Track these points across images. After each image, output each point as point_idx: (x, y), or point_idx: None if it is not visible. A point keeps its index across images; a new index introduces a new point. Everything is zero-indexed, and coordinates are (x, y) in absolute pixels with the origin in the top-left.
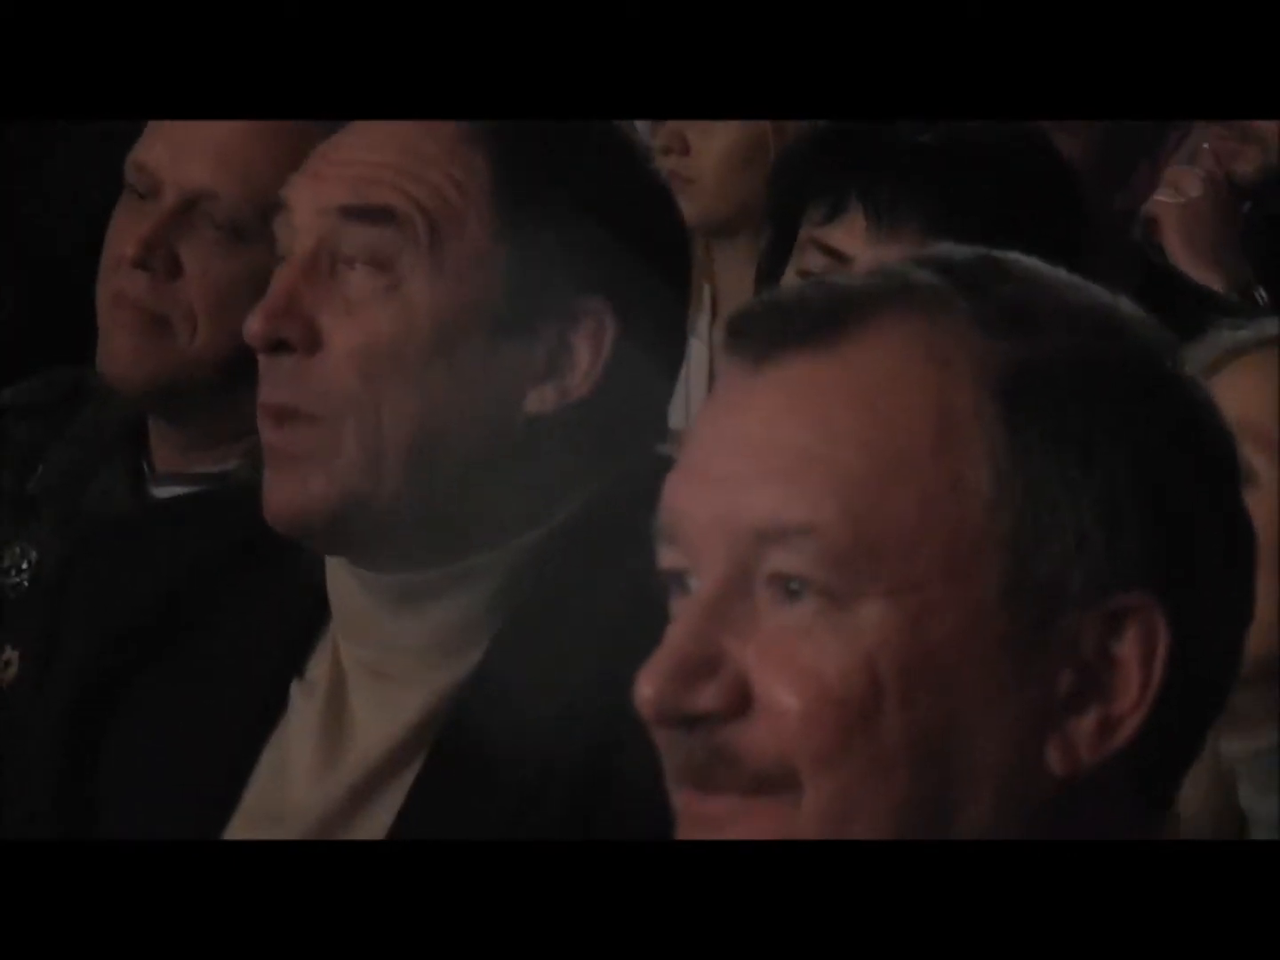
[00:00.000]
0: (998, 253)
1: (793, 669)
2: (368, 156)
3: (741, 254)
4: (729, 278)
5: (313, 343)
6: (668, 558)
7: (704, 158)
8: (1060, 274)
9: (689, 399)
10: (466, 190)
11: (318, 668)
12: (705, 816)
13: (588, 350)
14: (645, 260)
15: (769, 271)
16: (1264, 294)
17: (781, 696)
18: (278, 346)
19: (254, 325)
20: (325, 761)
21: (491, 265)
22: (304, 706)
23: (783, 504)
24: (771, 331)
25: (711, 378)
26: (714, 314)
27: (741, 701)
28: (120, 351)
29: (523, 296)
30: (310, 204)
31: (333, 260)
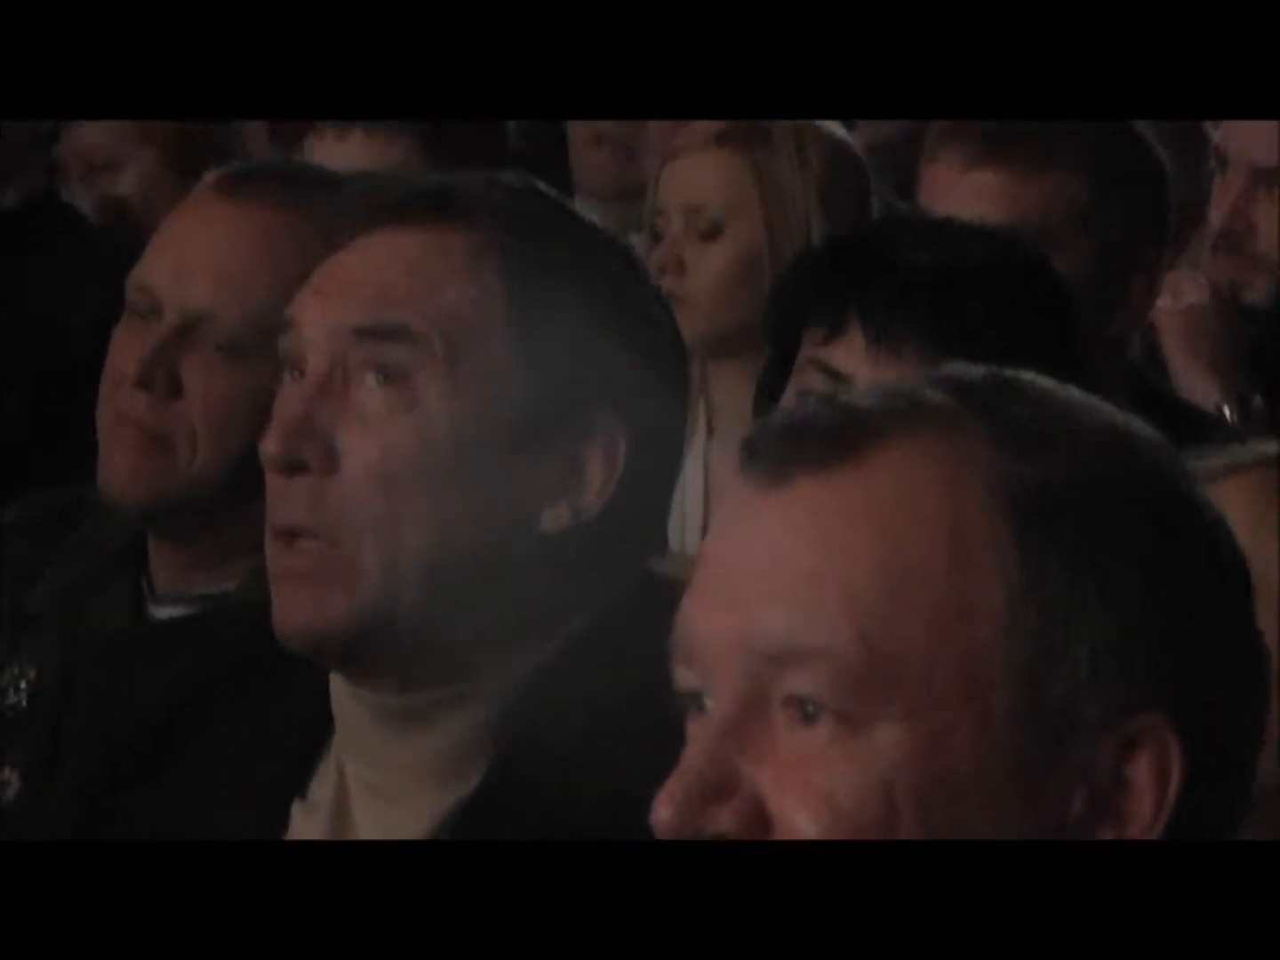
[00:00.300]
0: (1010, 372)
1: (809, 793)
2: (378, 276)
3: (737, 373)
4: (725, 396)
5: (330, 463)
6: (683, 678)
7: (699, 278)
8: (1073, 393)
9: (685, 518)
10: (481, 307)
11: (320, 788)
12: None
13: (600, 468)
14: (650, 378)
15: (768, 391)
16: (1261, 402)
17: (798, 821)
18: (293, 468)
19: (271, 448)
20: None
21: (507, 381)
22: (306, 827)
23: (797, 627)
24: (784, 452)
25: (706, 496)
26: (710, 432)
27: (758, 825)
28: (120, 470)
29: (538, 413)
30: (322, 323)
31: (346, 379)
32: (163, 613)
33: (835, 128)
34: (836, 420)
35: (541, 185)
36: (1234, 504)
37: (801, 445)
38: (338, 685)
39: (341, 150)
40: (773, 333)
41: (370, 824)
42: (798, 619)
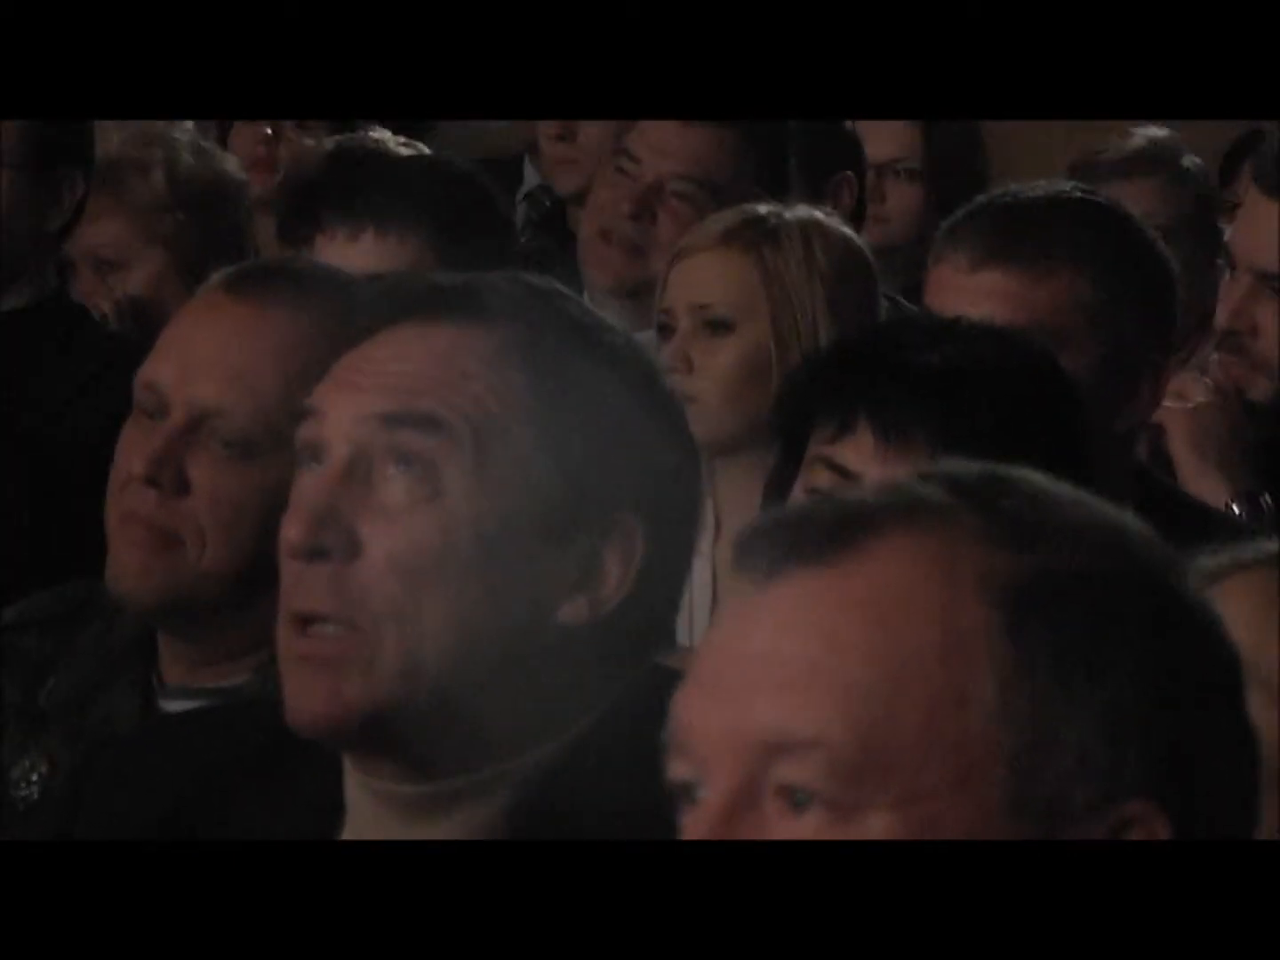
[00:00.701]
0: (1003, 469)
1: None
2: (405, 367)
3: (744, 470)
4: (732, 495)
5: (351, 551)
6: (677, 769)
7: (707, 376)
8: (1066, 489)
9: (691, 614)
10: (506, 401)
11: None
12: None
13: (618, 564)
14: (667, 477)
15: (777, 489)
16: (1270, 501)
17: None
18: (314, 555)
19: (292, 534)
20: None
21: (530, 475)
22: None
23: (790, 716)
24: (779, 548)
25: (715, 594)
26: (717, 531)
27: None
28: (129, 567)
29: (560, 507)
30: (347, 412)
31: (369, 467)
32: (172, 707)
33: (843, 226)
34: (833, 515)
35: (563, 288)
36: (1237, 601)
37: (799, 540)
38: (351, 776)
39: (352, 251)
40: (782, 431)
41: None
42: (791, 709)
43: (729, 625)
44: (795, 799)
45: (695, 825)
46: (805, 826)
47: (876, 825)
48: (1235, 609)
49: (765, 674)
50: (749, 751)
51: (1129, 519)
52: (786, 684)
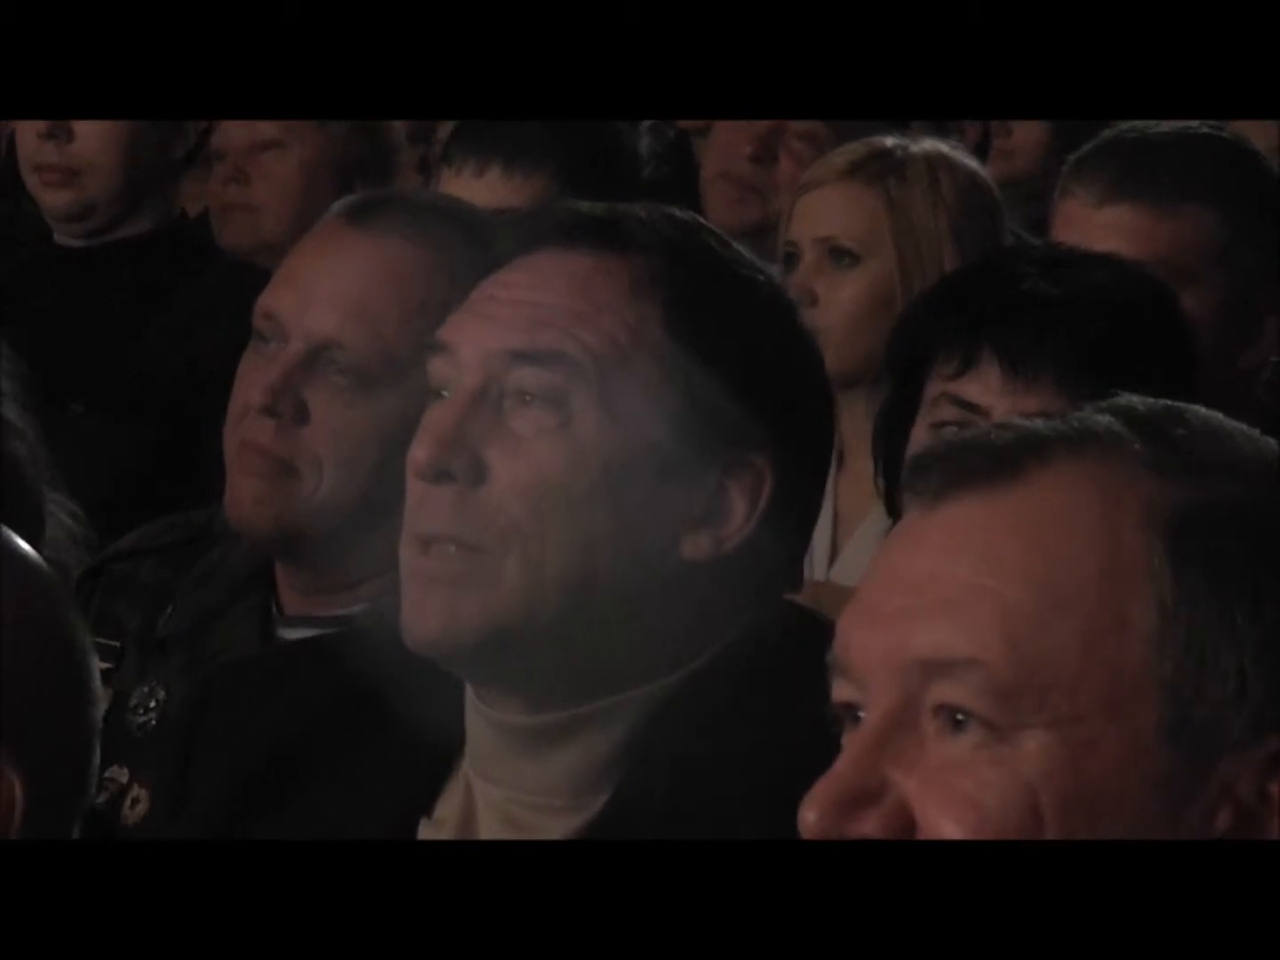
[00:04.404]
0: (1176, 404)
1: (955, 798)
2: (540, 297)
3: (866, 404)
4: (854, 428)
5: (477, 475)
6: (840, 691)
7: (832, 309)
8: (1236, 425)
9: (811, 547)
10: (638, 335)
11: (446, 806)
12: None
13: (744, 502)
14: (799, 416)
15: (894, 425)
16: None
17: (943, 825)
18: (440, 477)
19: (420, 455)
20: None
21: (660, 408)
22: (441, 825)
23: (949, 637)
24: (949, 471)
25: (835, 526)
26: (840, 465)
27: (902, 829)
28: (246, 497)
29: (688, 442)
30: (478, 344)
31: (500, 397)
32: (291, 635)
33: (969, 159)
34: (1005, 441)
35: (703, 220)
36: None
37: (967, 466)
38: (471, 705)
39: (478, 186)
40: (898, 365)
41: (501, 833)
42: (950, 629)
43: (894, 549)
44: (953, 718)
45: (854, 744)
46: (961, 746)
47: (1031, 747)
48: None
49: (927, 595)
50: (908, 671)
51: None
52: (947, 605)
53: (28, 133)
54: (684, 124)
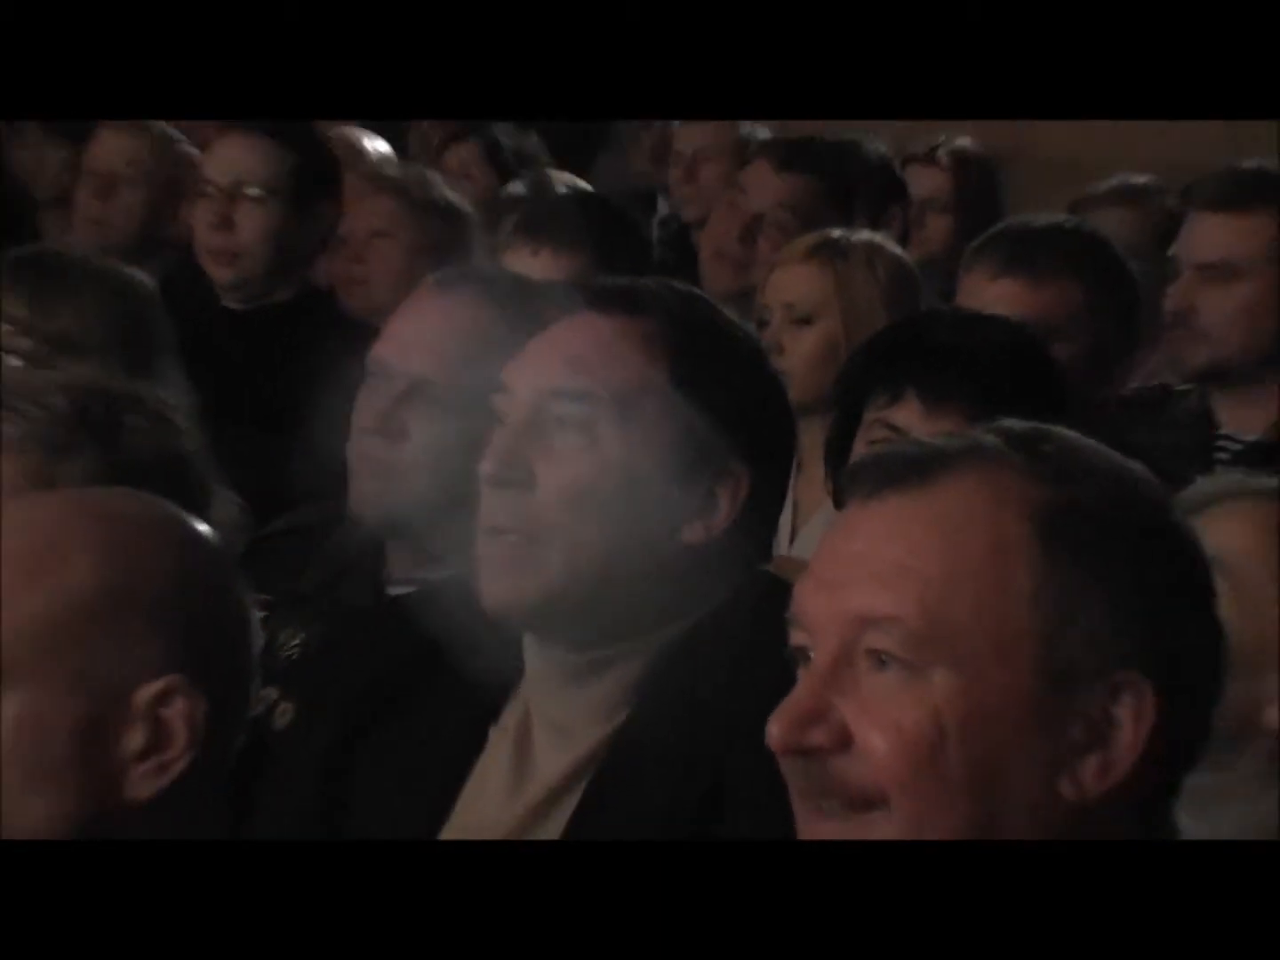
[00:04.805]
0: (1044, 426)
1: (881, 719)
2: (575, 350)
3: (818, 428)
4: (809, 445)
5: (530, 482)
6: (796, 638)
7: (794, 358)
8: (1089, 442)
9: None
10: (649, 378)
11: (510, 717)
12: (819, 833)
13: (728, 499)
14: (768, 436)
15: (840, 442)
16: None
17: (872, 739)
18: (502, 483)
19: (487, 467)
20: (513, 786)
21: (664, 434)
22: (498, 745)
23: (877, 600)
24: (879, 477)
25: (794, 515)
26: (798, 472)
27: (843, 741)
28: (364, 496)
29: (685, 458)
30: (529, 384)
31: (545, 424)
32: (396, 592)
33: (895, 247)
34: (919, 454)
35: (698, 290)
36: (1228, 521)
37: (891, 473)
38: (529, 643)
39: (533, 263)
40: (844, 400)
41: (545, 745)
42: (878, 594)
43: (838, 533)
44: (879, 659)
45: (807, 678)
46: (886, 680)
47: (938, 680)
48: (1222, 530)
49: (862, 569)
50: (847, 625)
51: (1134, 464)
52: (876, 576)
53: (201, 222)
54: (685, 219)
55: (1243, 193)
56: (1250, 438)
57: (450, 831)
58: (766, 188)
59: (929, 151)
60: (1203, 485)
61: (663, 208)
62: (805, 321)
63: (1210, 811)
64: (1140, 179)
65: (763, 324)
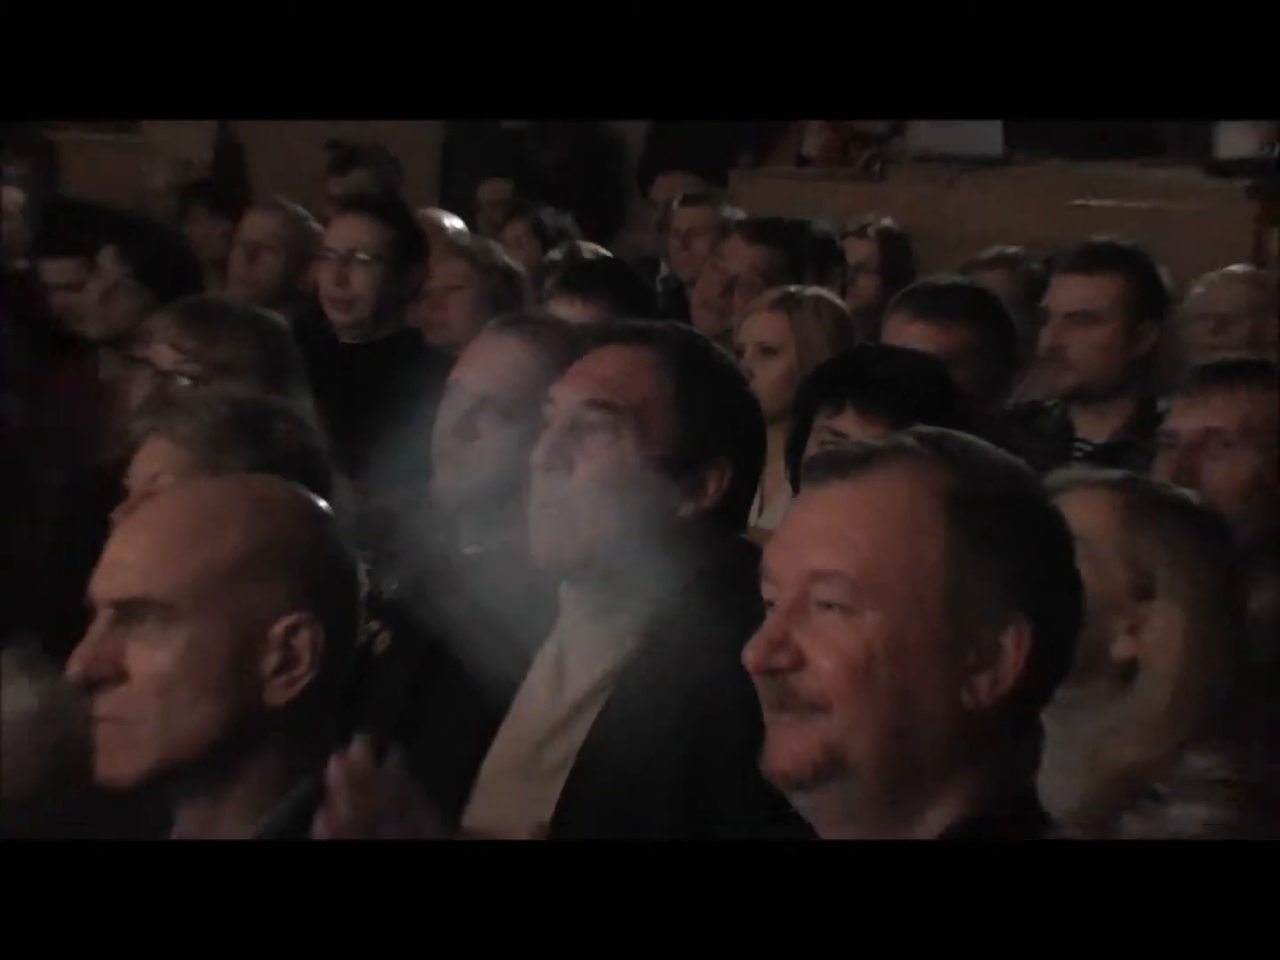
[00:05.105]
0: (953, 432)
1: (827, 647)
2: (600, 373)
3: (779, 433)
4: (773, 444)
5: (569, 468)
6: (766, 590)
7: (763, 382)
8: (987, 444)
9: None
10: (659, 393)
11: (551, 645)
12: (780, 724)
13: (715, 484)
14: (746, 436)
15: (795, 444)
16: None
17: (821, 662)
18: (548, 469)
19: (537, 456)
20: (552, 697)
21: (669, 435)
22: (542, 665)
23: (827, 560)
24: (827, 468)
25: (763, 497)
26: (768, 463)
27: (799, 663)
28: (443, 480)
29: (684, 453)
30: (569, 397)
31: (580, 426)
32: (468, 550)
33: (836, 298)
34: (856, 452)
35: (698, 331)
36: (1081, 505)
37: (836, 465)
38: (564, 589)
39: (570, 310)
40: (800, 412)
41: (575, 666)
42: (827, 556)
43: (796, 511)
44: (827, 605)
45: (772, 619)
46: (831, 618)
47: (870, 618)
48: (1079, 509)
49: (814, 537)
50: (803, 578)
51: (1015, 459)
52: (825, 542)
53: (324, 279)
54: (680, 279)
55: (1098, 260)
56: (1099, 441)
57: (506, 726)
58: (740, 257)
59: (861, 229)
60: (1064, 475)
61: (664, 270)
62: (770, 353)
63: (1070, 717)
64: (1011, 250)
65: (739, 355)
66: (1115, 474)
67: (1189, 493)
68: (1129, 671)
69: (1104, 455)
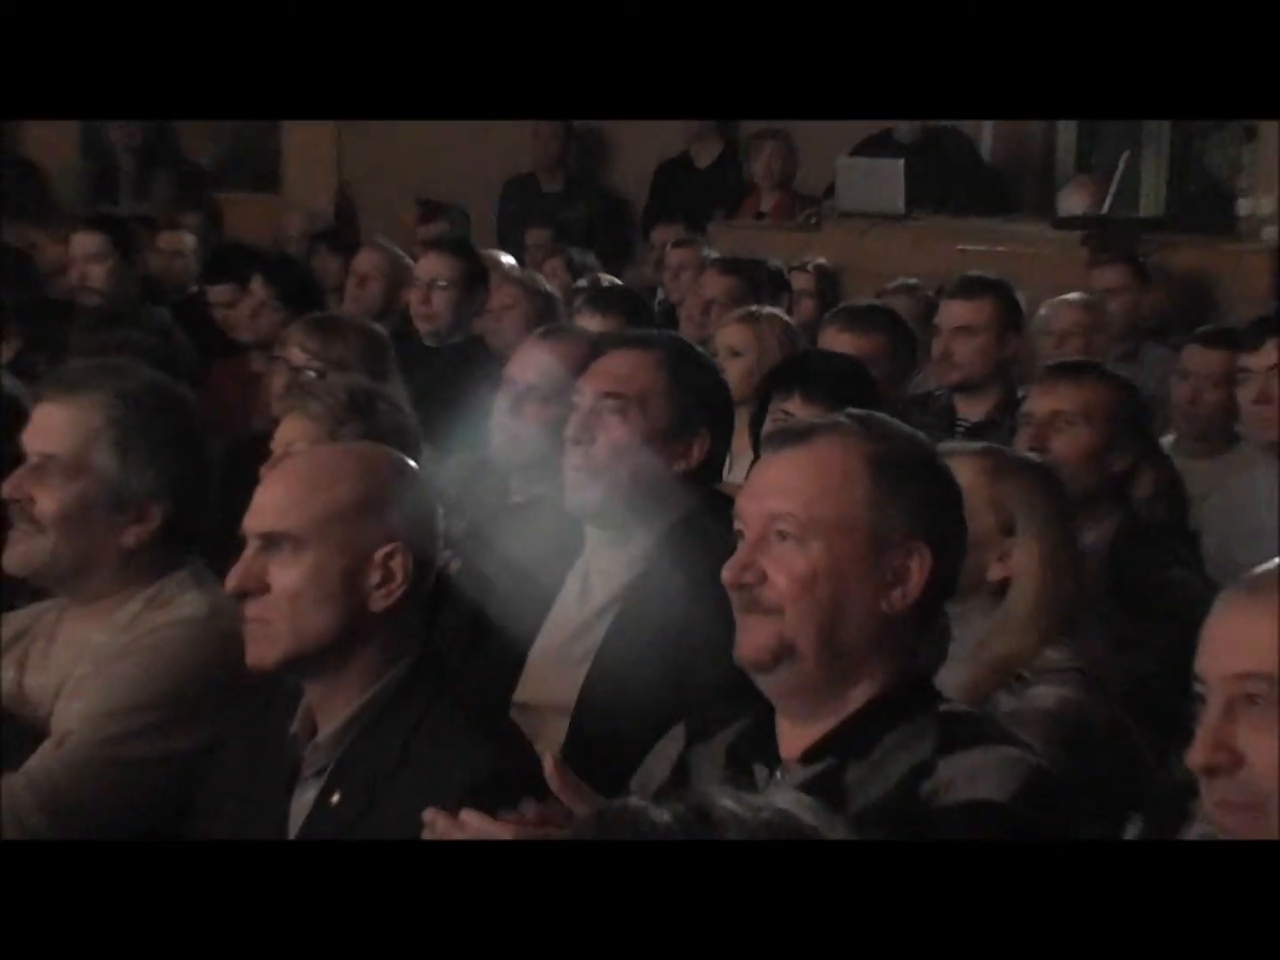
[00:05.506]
0: (870, 411)
1: (784, 567)
2: (614, 370)
3: (745, 411)
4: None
5: (592, 440)
6: (737, 525)
7: (732, 374)
8: (895, 420)
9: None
10: (657, 385)
11: (580, 565)
12: (747, 624)
13: (699, 449)
14: (721, 414)
15: (756, 422)
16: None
17: (778, 578)
18: (577, 442)
19: (569, 433)
20: (579, 604)
21: (666, 414)
22: (573, 580)
23: (780, 504)
24: (780, 439)
25: (731, 458)
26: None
27: (762, 579)
28: (500, 447)
29: (678, 426)
30: (591, 388)
31: (599, 408)
32: (516, 500)
33: (786, 315)
34: (802, 427)
35: (689, 340)
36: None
37: (786, 436)
38: (589, 527)
39: (593, 322)
40: (760, 396)
41: (597, 581)
42: (781, 501)
43: (759, 469)
44: (782, 536)
45: (742, 548)
46: (785, 547)
47: (813, 545)
48: (959, 469)
49: (772, 487)
50: (764, 518)
51: (917, 432)
52: (780, 491)
53: (413, 300)
54: (672, 302)
55: (975, 288)
56: (974, 420)
57: (544, 626)
58: (715, 285)
59: (802, 265)
60: (948, 445)
61: (660, 294)
62: (738, 355)
63: (959, 624)
64: (911, 281)
65: (714, 356)
66: (983, 445)
67: (1039, 457)
68: (1000, 589)
69: (977, 431)
